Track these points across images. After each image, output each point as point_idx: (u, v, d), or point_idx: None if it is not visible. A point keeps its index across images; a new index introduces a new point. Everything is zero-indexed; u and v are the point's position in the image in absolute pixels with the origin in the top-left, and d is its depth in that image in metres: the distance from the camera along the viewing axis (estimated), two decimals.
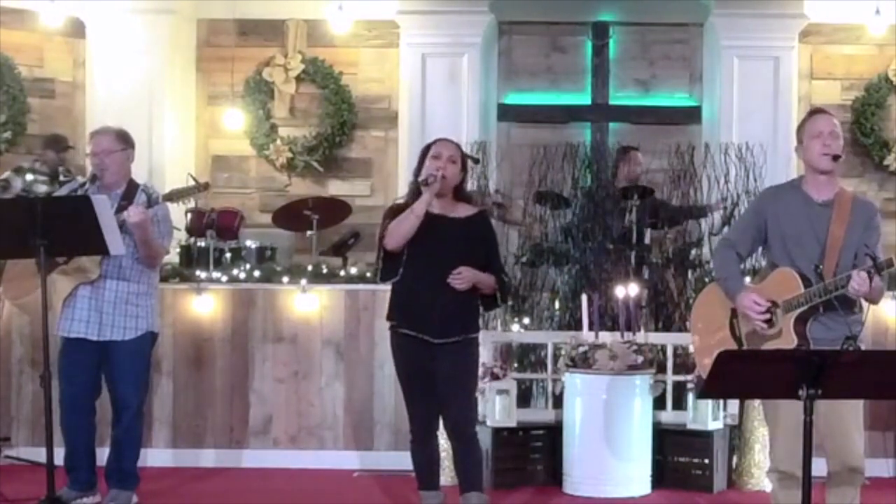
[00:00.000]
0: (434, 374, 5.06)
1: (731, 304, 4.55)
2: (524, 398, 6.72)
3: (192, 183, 5.65)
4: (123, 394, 5.55)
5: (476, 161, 7.04)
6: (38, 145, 8.67)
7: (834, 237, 4.38)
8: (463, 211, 5.18)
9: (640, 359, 6.21)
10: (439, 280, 5.00)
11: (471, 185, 7.04)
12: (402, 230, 5.01)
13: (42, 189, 7.90)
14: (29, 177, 7.97)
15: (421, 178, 5.05)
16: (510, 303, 6.91)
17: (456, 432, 5.15)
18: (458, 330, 5.08)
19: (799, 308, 4.33)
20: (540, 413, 6.62)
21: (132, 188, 5.54)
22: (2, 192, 7.88)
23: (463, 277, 5.01)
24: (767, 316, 4.41)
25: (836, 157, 4.44)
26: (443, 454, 6.25)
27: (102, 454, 5.75)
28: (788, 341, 4.34)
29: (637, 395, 6.20)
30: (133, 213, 5.27)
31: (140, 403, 5.67)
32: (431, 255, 5.01)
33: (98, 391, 5.65)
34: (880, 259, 4.19)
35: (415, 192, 5.12)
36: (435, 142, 5.21)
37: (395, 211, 5.15)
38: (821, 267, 4.29)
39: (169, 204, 5.57)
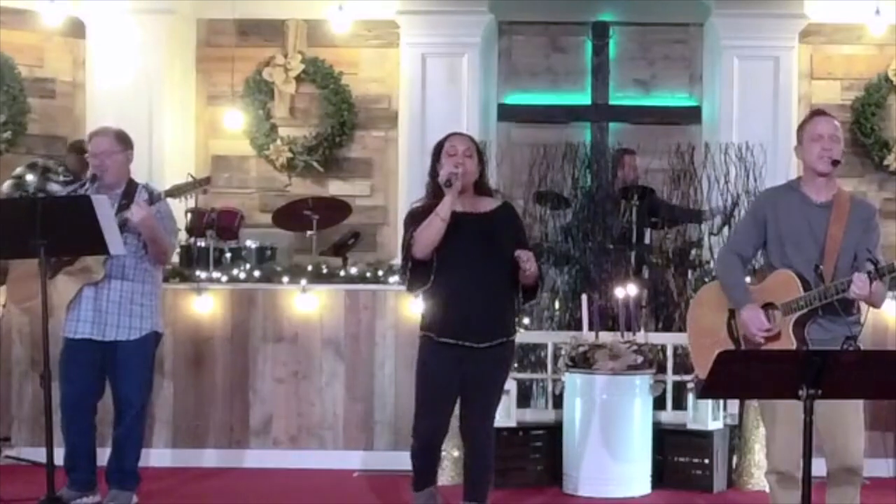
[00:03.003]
0: (461, 379, 4.86)
1: (729, 304, 4.55)
2: (524, 398, 6.71)
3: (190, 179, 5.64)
4: (127, 393, 5.55)
5: None
6: (38, 145, 8.67)
7: (832, 238, 4.38)
8: (487, 205, 4.96)
9: (640, 359, 6.21)
10: (474, 281, 4.77)
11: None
12: (429, 237, 4.76)
13: (55, 189, 7.88)
14: (31, 177, 7.94)
15: (443, 180, 4.78)
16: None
17: (474, 439, 4.96)
18: (500, 332, 4.87)
19: (798, 311, 4.32)
20: (540, 413, 6.61)
21: (132, 188, 5.55)
22: (15, 189, 7.84)
23: (530, 259, 4.73)
24: (768, 335, 4.41)
25: (835, 162, 4.42)
26: (443, 454, 6.27)
27: (104, 454, 5.74)
28: (787, 344, 4.33)
29: (637, 395, 6.20)
30: (136, 212, 5.28)
31: (143, 403, 5.67)
32: (463, 257, 4.78)
33: (101, 392, 5.63)
34: (881, 263, 4.18)
35: (433, 193, 4.90)
36: (447, 137, 4.99)
37: (416, 216, 4.89)
38: (821, 267, 4.28)
39: (171, 200, 5.57)
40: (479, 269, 4.79)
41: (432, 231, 4.76)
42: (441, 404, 4.91)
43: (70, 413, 5.55)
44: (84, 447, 5.59)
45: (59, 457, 5.29)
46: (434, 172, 4.93)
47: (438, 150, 4.96)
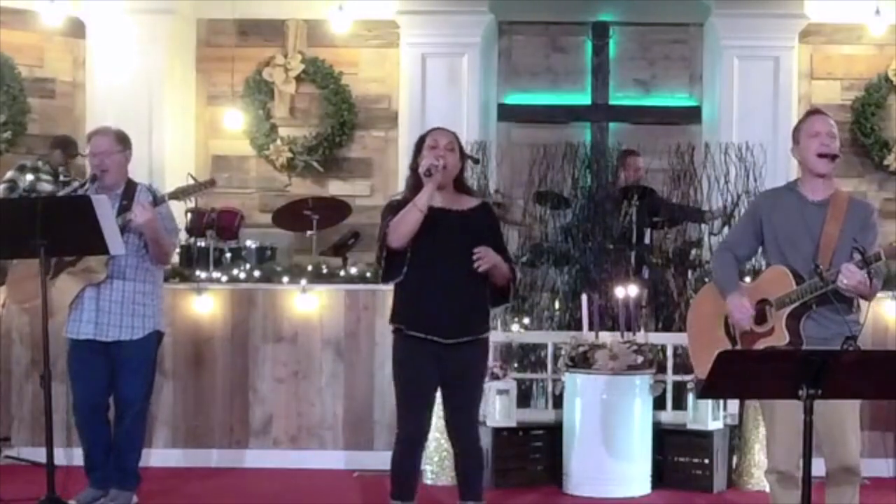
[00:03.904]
0: (439, 378, 4.83)
1: (724, 301, 4.56)
2: (524, 398, 6.71)
3: (193, 182, 5.65)
4: (128, 392, 5.55)
5: (476, 161, 7.05)
6: (38, 145, 8.69)
7: (828, 236, 4.38)
8: (465, 203, 4.92)
9: (640, 359, 6.21)
10: (447, 277, 4.74)
11: (471, 185, 7.05)
12: (405, 226, 4.71)
13: (47, 188, 7.91)
14: (29, 176, 7.98)
15: (422, 170, 4.74)
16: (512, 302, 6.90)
17: (460, 438, 4.93)
18: (469, 329, 4.83)
19: (790, 305, 4.33)
20: (540, 413, 6.62)
21: (131, 188, 5.55)
22: (9, 192, 7.90)
23: (486, 257, 4.70)
24: (751, 319, 4.41)
25: (833, 158, 4.44)
26: (443, 454, 6.27)
27: None
28: (780, 339, 4.34)
29: (637, 395, 6.20)
30: (139, 214, 5.28)
31: (144, 403, 5.67)
32: (437, 252, 4.75)
33: (110, 390, 5.62)
34: (868, 252, 4.17)
35: (413, 187, 4.85)
36: (430, 131, 4.95)
37: (394, 208, 4.84)
38: (820, 266, 4.28)
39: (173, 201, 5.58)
40: (453, 266, 4.75)
41: (409, 221, 4.71)
42: (423, 401, 4.87)
43: (84, 413, 5.56)
44: (102, 446, 5.59)
45: (60, 457, 5.30)
46: (415, 165, 4.88)
47: (420, 143, 4.92)
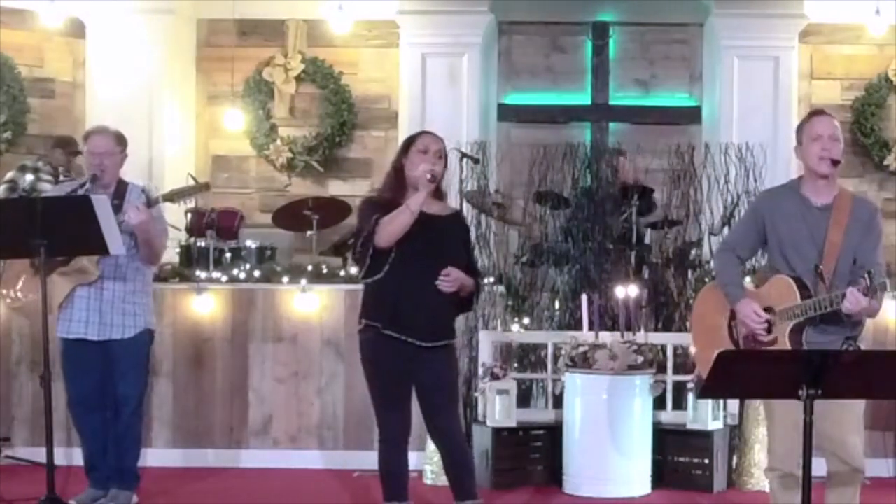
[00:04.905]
0: (413, 379, 4.86)
1: (730, 306, 4.54)
2: (524, 398, 6.72)
3: (191, 182, 5.66)
4: (123, 392, 5.55)
5: (476, 161, 7.05)
6: (38, 145, 8.69)
7: (832, 243, 4.34)
8: (442, 209, 4.98)
9: (640, 359, 6.21)
10: (428, 280, 4.77)
11: (471, 185, 7.06)
12: (395, 227, 4.73)
13: (47, 188, 7.92)
14: (30, 176, 7.98)
15: (425, 175, 4.75)
16: (510, 303, 6.91)
17: (443, 441, 4.95)
18: (444, 334, 4.88)
19: (794, 319, 4.30)
20: (540, 413, 6.62)
21: (122, 187, 5.56)
22: (10, 192, 7.90)
23: (451, 279, 4.79)
24: (766, 326, 4.40)
25: (835, 163, 4.39)
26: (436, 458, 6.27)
27: None
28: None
29: (637, 395, 6.20)
30: (134, 215, 5.27)
31: (140, 401, 5.66)
32: (420, 254, 4.77)
33: (105, 388, 5.61)
34: (875, 279, 4.10)
35: (393, 185, 4.89)
36: (420, 135, 4.98)
37: (376, 205, 4.87)
38: (820, 267, 4.27)
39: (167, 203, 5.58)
40: (432, 270, 4.78)
41: (400, 223, 4.73)
42: (401, 399, 4.88)
43: (81, 413, 5.56)
44: (100, 445, 5.58)
45: (60, 456, 5.29)
46: (399, 165, 4.90)
47: (409, 144, 4.93)
